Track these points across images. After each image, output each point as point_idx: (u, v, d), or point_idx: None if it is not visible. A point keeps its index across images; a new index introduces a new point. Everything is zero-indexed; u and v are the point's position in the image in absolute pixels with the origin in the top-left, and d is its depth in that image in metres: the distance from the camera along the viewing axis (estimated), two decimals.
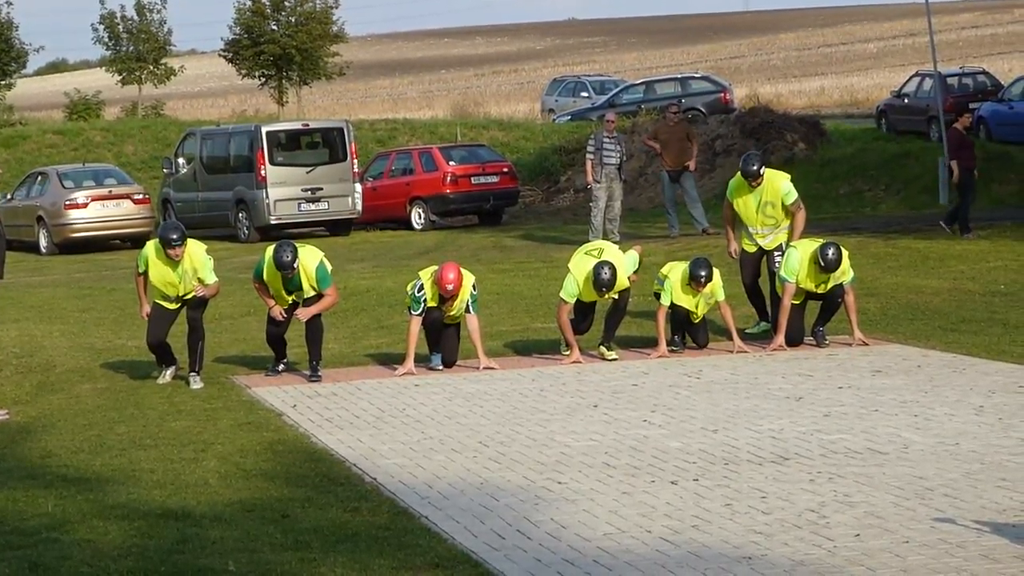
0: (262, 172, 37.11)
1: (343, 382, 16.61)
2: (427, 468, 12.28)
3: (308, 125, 40.59)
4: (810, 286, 17.97)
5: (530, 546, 9.84)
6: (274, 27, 62.53)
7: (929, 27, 39.26)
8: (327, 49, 63.38)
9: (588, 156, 32.44)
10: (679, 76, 58.91)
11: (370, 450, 13.05)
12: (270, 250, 17.18)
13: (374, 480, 11.90)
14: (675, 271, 18.33)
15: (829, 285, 17.88)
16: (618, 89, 57.77)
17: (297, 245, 17.25)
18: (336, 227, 38.15)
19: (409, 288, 17.62)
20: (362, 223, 38.33)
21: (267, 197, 36.63)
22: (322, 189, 37.87)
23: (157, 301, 17.42)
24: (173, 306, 17.36)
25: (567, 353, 17.94)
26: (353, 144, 38.48)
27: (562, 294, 17.86)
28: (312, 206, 37.54)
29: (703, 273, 17.83)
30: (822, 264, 17.51)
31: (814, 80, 73.53)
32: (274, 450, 13.20)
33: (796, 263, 17.78)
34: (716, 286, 18.15)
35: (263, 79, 63.43)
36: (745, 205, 18.94)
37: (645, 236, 29.25)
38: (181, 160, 39.92)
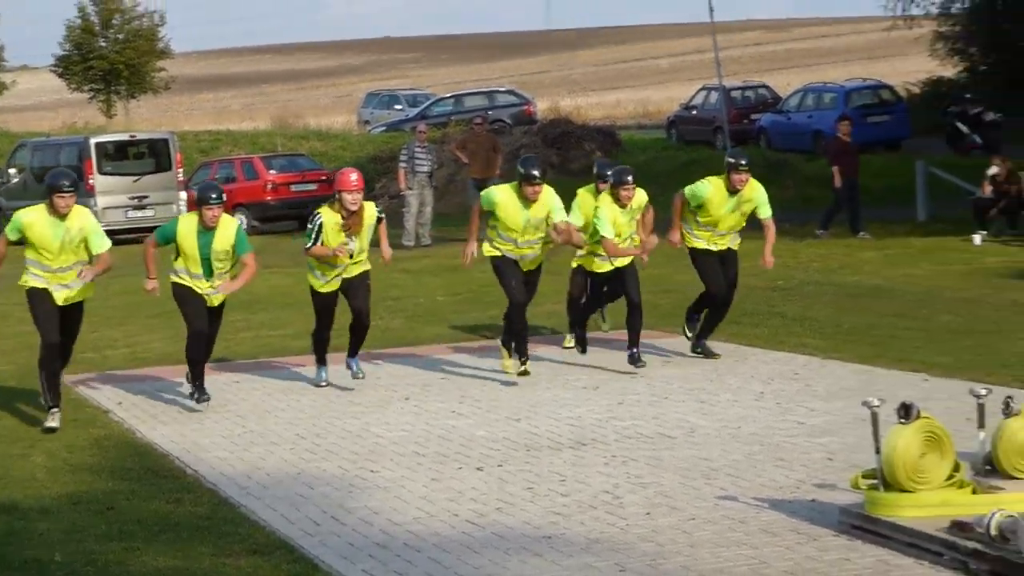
0: (90, 181, 36.54)
1: (167, 380, 16.34)
2: (247, 460, 12.15)
3: (135, 136, 40.23)
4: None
5: (344, 531, 9.82)
6: (103, 44, 62.04)
7: (714, 45, 39.90)
8: (153, 64, 63.06)
9: (401, 165, 32.61)
10: (486, 90, 59.25)
11: (193, 443, 12.87)
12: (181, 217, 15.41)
13: (196, 472, 11.74)
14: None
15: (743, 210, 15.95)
16: (429, 102, 57.92)
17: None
18: None
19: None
20: None
21: (95, 205, 35.96)
22: (148, 197, 37.39)
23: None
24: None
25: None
26: (178, 154, 38.27)
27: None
28: (139, 213, 37.08)
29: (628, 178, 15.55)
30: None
31: (611, 94, 74.20)
32: (100, 445, 12.97)
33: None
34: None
35: (92, 93, 62.96)
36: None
37: (455, 239, 29.12)
38: (12, 170, 39.35)
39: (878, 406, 9.70)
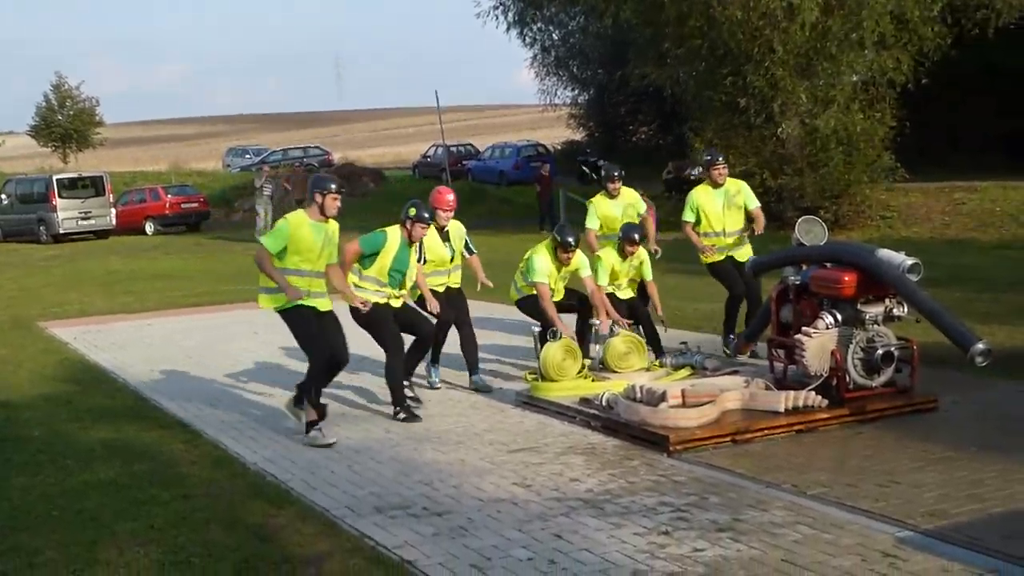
0: (54, 202, 35.94)
1: (105, 324, 15.79)
2: (160, 372, 11.74)
3: (82, 175, 38.88)
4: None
5: (219, 414, 9.56)
6: (60, 117, 59.88)
7: (439, 119, 40.13)
8: (92, 129, 60.92)
9: (257, 188, 32.32)
10: (302, 146, 59.00)
11: (122, 363, 12.39)
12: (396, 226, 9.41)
13: (124, 380, 11.33)
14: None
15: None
16: (267, 153, 57.08)
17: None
18: (100, 235, 36.69)
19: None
20: (116, 232, 37.09)
21: (58, 217, 35.84)
22: (91, 212, 36.44)
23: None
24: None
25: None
26: (109, 185, 37.35)
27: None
28: (86, 222, 36.34)
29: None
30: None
31: (378, 148, 74.02)
32: (63, 364, 12.44)
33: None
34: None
35: (54, 148, 60.83)
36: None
37: None
38: (3, 196, 38.08)
39: (539, 330, 9.94)
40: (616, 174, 11.65)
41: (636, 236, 10.49)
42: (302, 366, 9.20)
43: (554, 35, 46.09)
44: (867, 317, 8.24)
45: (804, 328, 8.41)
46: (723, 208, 10.99)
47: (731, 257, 11.05)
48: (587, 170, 39.52)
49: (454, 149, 46.00)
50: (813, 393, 8.14)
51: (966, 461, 7.00)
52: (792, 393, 8.18)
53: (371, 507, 6.68)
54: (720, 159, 11.13)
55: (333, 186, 8.36)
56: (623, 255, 10.56)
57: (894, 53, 25.63)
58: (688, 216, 11.12)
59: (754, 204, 11.04)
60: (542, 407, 9.09)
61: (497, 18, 36.61)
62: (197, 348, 13.36)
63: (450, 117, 59.94)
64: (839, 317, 8.25)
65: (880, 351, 8.20)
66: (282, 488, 7.19)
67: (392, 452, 8.00)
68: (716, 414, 7.98)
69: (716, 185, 11.04)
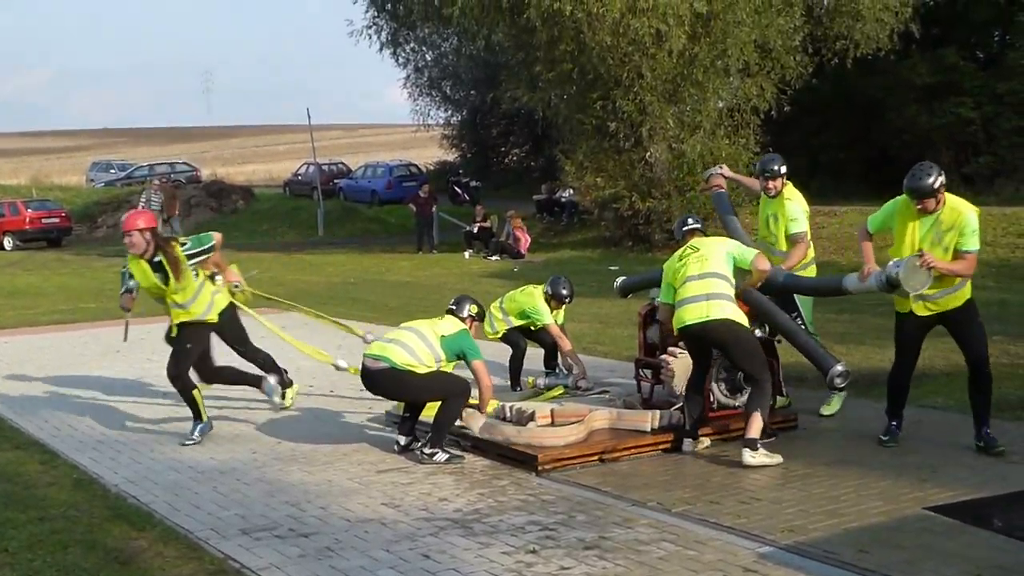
0: None
1: None
2: (19, 390, 11.35)
3: None
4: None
5: (76, 433, 9.29)
6: None
7: (311, 137, 39.90)
8: None
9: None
10: (169, 161, 58.21)
11: None
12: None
13: None
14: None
15: None
16: (133, 168, 56.08)
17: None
18: None
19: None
20: None
21: None
22: None
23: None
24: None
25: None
26: None
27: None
28: None
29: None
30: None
31: (249, 166, 72.93)
32: None
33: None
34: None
35: None
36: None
37: None
38: None
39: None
40: (564, 291, 10.47)
41: (564, 290, 10.43)
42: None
43: (427, 56, 46.08)
44: None
45: (670, 348, 8.56)
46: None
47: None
48: (459, 191, 39.68)
49: (325, 167, 45.64)
50: (679, 412, 8.28)
51: (823, 478, 7.21)
52: (659, 412, 8.32)
53: (236, 529, 6.57)
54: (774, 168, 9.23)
55: None
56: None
57: (758, 80, 26.40)
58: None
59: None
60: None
61: (370, 37, 36.39)
62: (56, 367, 12.91)
63: (323, 135, 59.53)
64: None
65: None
66: (144, 510, 7.02)
67: (259, 473, 7.88)
68: (584, 434, 8.06)
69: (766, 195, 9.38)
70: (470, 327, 8.51)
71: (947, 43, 31.98)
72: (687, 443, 8.03)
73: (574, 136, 28.03)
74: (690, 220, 9.02)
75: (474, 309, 8.67)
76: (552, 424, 8.21)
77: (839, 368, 7.94)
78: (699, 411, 8.09)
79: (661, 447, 8.06)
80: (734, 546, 5.97)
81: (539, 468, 7.62)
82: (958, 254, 7.49)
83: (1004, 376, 10.00)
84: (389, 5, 34.05)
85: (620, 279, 10.15)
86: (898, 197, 7.72)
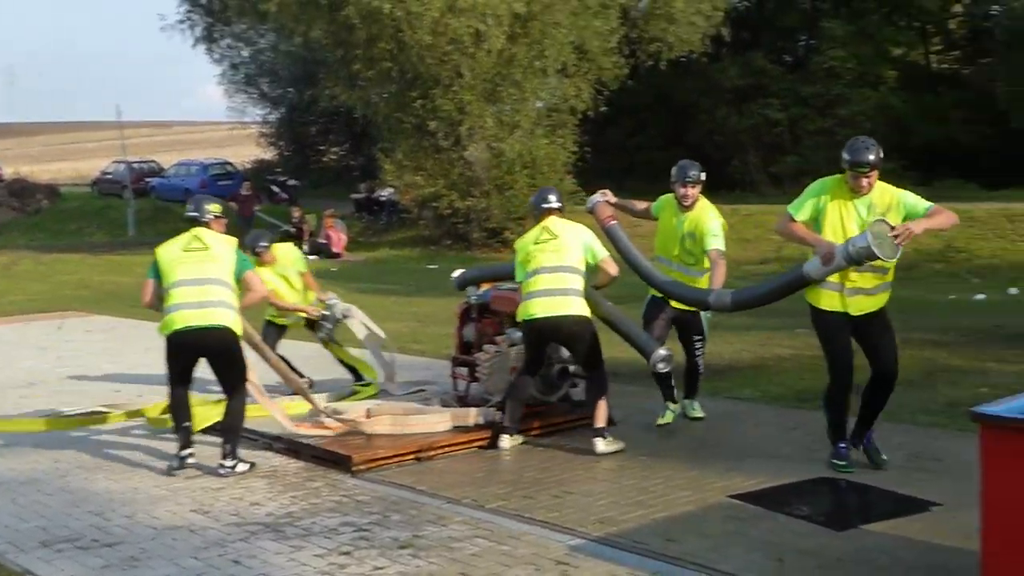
0: None
1: None
2: None
3: None
4: None
5: None
6: None
7: (121, 135, 38.81)
8: None
9: None
10: None
11: None
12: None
13: None
14: None
15: None
16: None
17: None
18: None
19: None
20: None
21: None
22: None
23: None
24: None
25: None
26: None
27: None
28: None
29: None
30: None
31: (56, 164, 70.35)
32: None
33: None
34: None
35: None
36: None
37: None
38: None
39: None
40: None
41: None
42: None
43: (243, 52, 45.22)
44: None
45: (485, 346, 8.62)
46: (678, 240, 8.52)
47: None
48: (277, 189, 39.11)
49: (136, 166, 44.27)
50: (494, 409, 8.35)
51: (635, 470, 7.37)
52: (475, 410, 8.37)
53: (36, 541, 6.32)
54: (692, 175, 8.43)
55: None
56: None
57: (576, 81, 26.87)
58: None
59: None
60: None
61: (183, 32, 35.58)
62: None
63: (135, 133, 57.85)
64: (518, 335, 8.49)
65: (557, 367, 8.53)
66: None
67: (61, 483, 7.59)
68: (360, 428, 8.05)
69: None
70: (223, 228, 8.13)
71: (756, 47, 33.27)
72: (504, 439, 8.09)
73: (393, 135, 27.98)
74: (551, 197, 8.22)
75: (217, 208, 8.20)
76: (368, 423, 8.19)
77: (661, 352, 8.06)
78: (520, 408, 8.15)
79: (476, 444, 8.11)
80: (547, 540, 6.05)
81: (354, 469, 7.57)
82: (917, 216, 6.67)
83: (806, 368, 10.44)
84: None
85: (458, 272, 9.81)
86: (821, 180, 6.99)
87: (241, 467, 7.64)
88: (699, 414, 8.84)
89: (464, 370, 9.06)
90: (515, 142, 26.20)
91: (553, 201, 8.15)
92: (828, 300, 6.94)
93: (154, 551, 6.07)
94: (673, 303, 8.27)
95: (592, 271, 8.03)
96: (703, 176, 8.46)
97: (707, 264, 8.13)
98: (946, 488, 6.55)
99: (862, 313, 6.89)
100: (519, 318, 8.02)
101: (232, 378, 7.77)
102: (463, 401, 8.88)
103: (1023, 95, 26.91)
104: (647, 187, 30.69)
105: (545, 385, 8.58)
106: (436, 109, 25.84)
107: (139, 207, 38.78)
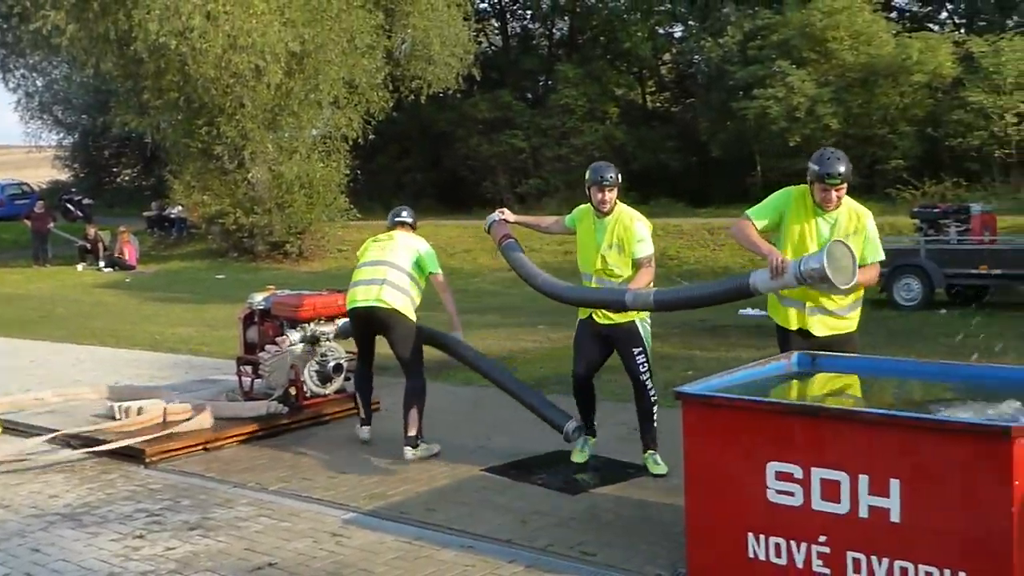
0: None
1: None
2: None
3: None
4: None
5: None
6: None
7: None
8: None
9: None
10: None
11: None
12: None
13: None
14: None
15: None
16: None
17: None
18: None
19: None
20: None
21: None
22: None
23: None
24: None
25: None
26: None
27: None
28: None
29: None
30: None
31: None
32: None
33: None
34: None
35: None
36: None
37: None
38: None
39: None
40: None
41: None
42: None
43: (38, 82, 42.62)
44: (321, 335, 8.48)
45: (267, 346, 8.50)
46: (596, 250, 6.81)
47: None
48: (72, 207, 37.14)
49: None
50: (276, 402, 8.24)
51: (400, 451, 7.41)
52: (258, 403, 8.24)
53: None
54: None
55: None
56: None
57: (347, 112, 26.75)
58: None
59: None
60: (22, 430, 8.40)
61: None
62: None
63: None
64: (297, 336, 8.42)
65: (332, 363, 8.50)
66: None
67: None
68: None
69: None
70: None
71: (503, 85, 33.95)
72: (364, 431, 7.74)
73: (182, 158, 27.09)
74: (404, 213, 7.85)
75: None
76: (164, 421, 7.93)
77: (574, 424, 7.04)
78: (368, 404, 7.81)
79: (260, 433, 7.98)
80: (324, 515, 6.04)
81: (147, 460, 7.32)
82: (863, 264, 5.46)
83: (545, 358, 10.74)
84: None
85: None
86: (786, 189, 5.64)
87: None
88: (661, 470, 6.61)
89: (249, 368, 8.90)
90: (294, 165, 25.87)
91: (405, 216, 7.83)
92: (798, 319, 5.65)
93: None
94: (597, 316, 6.60)
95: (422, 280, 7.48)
96: (619, 179, 6.50)
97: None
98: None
99: (832, 335, 5.57)
100: (347, 306, 7.54)
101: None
102: (248, 396, 8.71)
103: (719, 129, 28.48)
104: (413, 203, 31.05)
105: (321, 379, 8.52)
106: (221, 135, 25.17)
107: None
